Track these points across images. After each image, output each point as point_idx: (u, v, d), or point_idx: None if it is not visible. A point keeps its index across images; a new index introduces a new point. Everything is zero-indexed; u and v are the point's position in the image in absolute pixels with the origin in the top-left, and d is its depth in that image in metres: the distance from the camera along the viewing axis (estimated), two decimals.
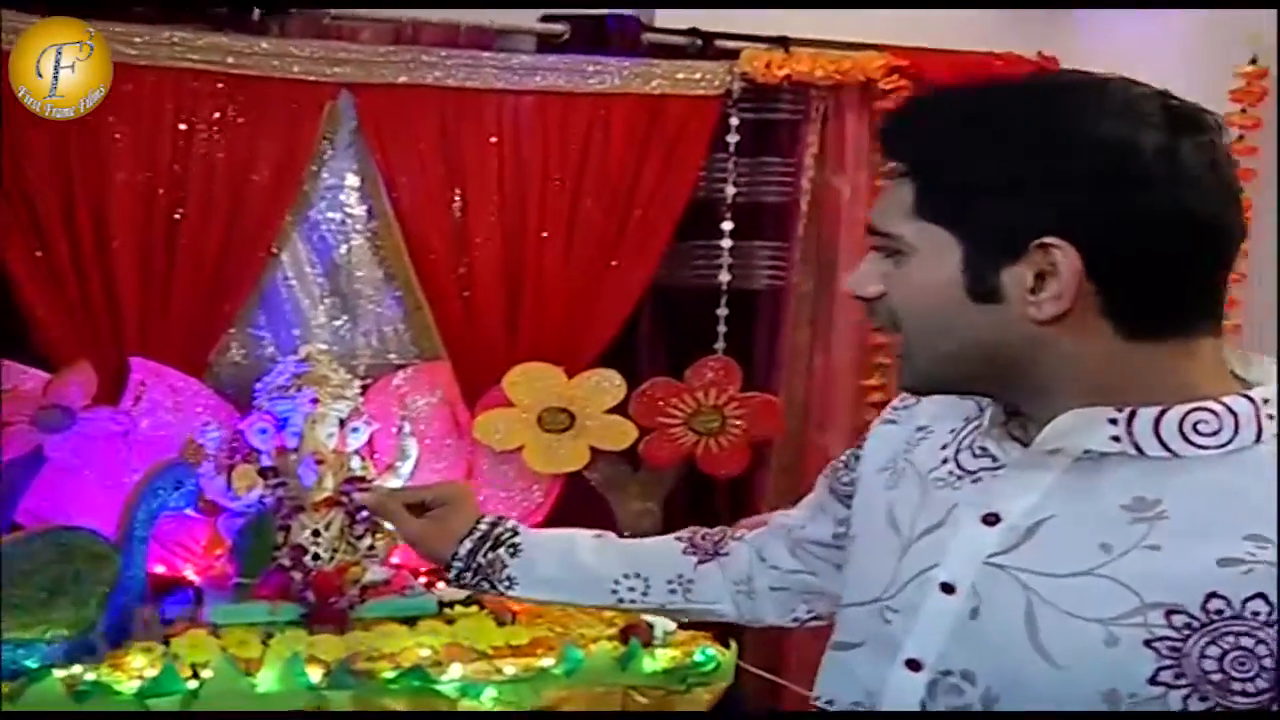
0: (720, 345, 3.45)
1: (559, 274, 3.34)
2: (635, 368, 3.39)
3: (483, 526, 1.44)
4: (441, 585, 3.03)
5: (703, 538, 1.44)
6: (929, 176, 0.96)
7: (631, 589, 1.41)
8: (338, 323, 3.38)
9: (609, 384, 3.30)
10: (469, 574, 1.43)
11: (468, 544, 1.43)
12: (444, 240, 3.26)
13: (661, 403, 3.33)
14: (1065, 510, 0.95)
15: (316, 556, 2.93)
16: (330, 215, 3.32)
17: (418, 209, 3.25)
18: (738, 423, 3.39)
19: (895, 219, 0.98)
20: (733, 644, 2.85)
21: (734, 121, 3.39)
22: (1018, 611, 0.93)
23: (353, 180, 3.30)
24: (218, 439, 3.01)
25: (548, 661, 2.76)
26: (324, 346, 3.23)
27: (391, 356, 3.40)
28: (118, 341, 3.04)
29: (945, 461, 1.06)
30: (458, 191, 3.26)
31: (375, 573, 3.00)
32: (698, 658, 2.84)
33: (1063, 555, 0.93)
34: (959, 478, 1.04)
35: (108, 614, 2.67)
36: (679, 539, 1.45)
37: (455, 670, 2.67)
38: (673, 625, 2.91)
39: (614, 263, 3.37)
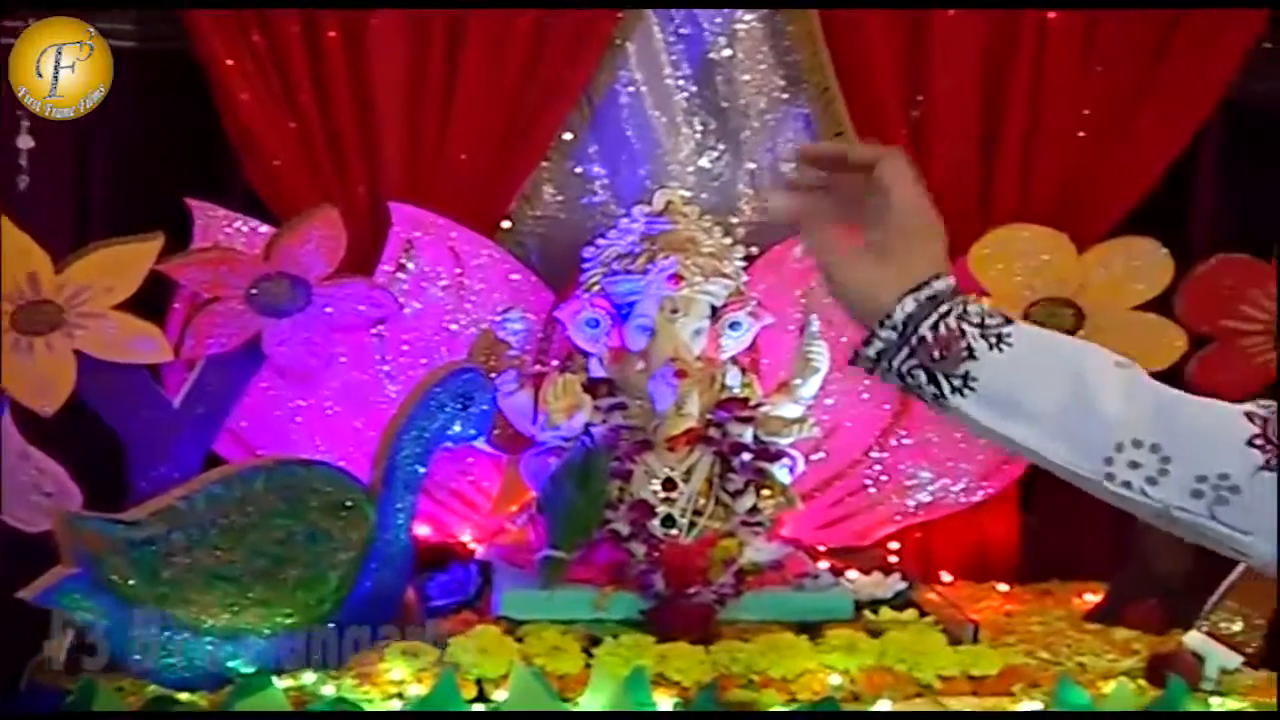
0: None
1: (1065, 80, 3.18)
2: (1187, 238, 3.24)
3: (944, 283, 1.34)
4: (855, 575, 3.03)
5: None
6: None
7: (1134, 465, 1.29)
8: (712, 155, 3.30)
9: (1142, 263, 3.14)
10: (898, 348, 1.34)
11: (916, 297, 1.34)
12: (886, 23, 3.15)
13: (1232, 295, 3.11)
14: None
15: (670, 521, 2.84)
16: None
17: None
18: None
19: None
20: None
21: None
22: None
23: None
24: (523, 333, 3.02)
25: (1030, 705, 2.63)
26: (687, 194, 3.15)
27: None
28: (372, 179, 3.09)
29: None
30: None
31: (760, 551, 2.90)
32: None
33: None
34: None
35: (354, 595, 2.67)
36: (1253, 417, 1.31)
37: (883, 708, 2.61)
38: (1235, 660, 2.70)
39: (1162, 65, 3.17)
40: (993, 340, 1.33)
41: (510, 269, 3.09)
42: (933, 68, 3.20)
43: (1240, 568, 2.57)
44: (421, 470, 2.80)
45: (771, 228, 3.21)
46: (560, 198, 3.24)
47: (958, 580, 3.16)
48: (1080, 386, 1.33)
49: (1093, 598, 3.08)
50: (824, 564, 3.04)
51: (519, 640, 2.63)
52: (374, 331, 3.01)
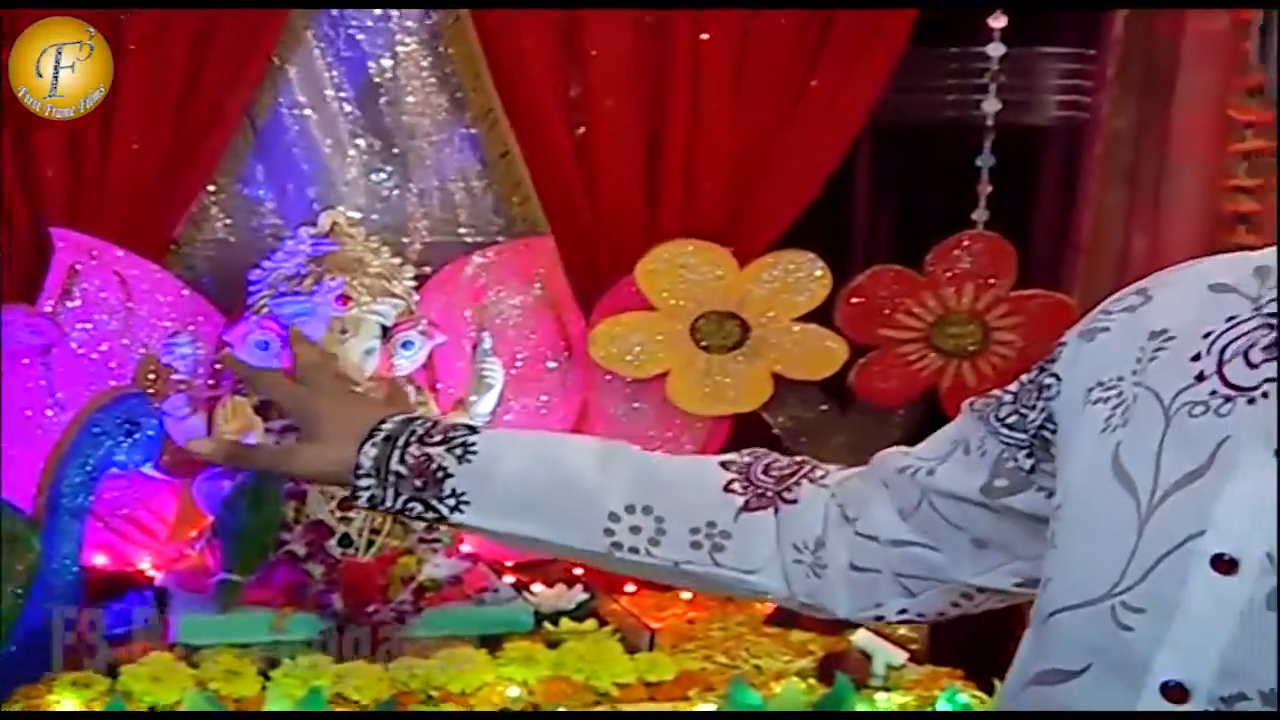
0: (981, 215, 3.37)
1: (725, 102, 3.33)
2: (845, 251, 3.44)
3: (392, 422, 1.43)
4: (539, 587, 3.11)
5: (765, 470, 1.42)
6: None
7: (635, 530, 1.38)
8: (377, 177, 3.40)
9: (804, 275, 3.29)
10: (383, 490, 1.40)
11: (374, 442, 1.41)
12: (545, 45, 3.28)
13: (887, 305, 3.32)
14: None
15: (347, 540, 2.94)
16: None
17: None
18: (1008, 337, 3.35)
19: None
20: (997, 685, 2.91)
21: None
22: None
23: None
24: (192, 357, 3.05)
25: (705, 707, 2.78)
26: (357, 214, 3.27)
27: (462, 231, 3.45)
28: (32, 204, 3.07)
29: (1202, 379, 1.06)
30: None
31: (439, 566, 3.00)
32: (942, 706, 2.87)
33: None
34: (1227, 399, 1.03)
35: (21, 625, 2.68)
36: (728, 465, 1.43)
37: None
38: (901, 656, 2.94)
39: (813, 83, 3.35)
40: (459, 454, 1.42)
41: (179, 292, 3.12)
42: (594, 89, 3.32)
43: None
44: (87, 498, 2.84)
45: (443, 247, 3.39)
46: (228, 220, 3.31)
47: (641, 590, 3.23)
48: (557, 470, 1.42)
49: (773, 602, 3.30)
50: (509, 578, 3.14)
51: (194, 666, 2.69)
52: (41, 360, 2.98)
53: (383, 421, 1.43)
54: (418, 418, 1.45)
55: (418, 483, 1.40)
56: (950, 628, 2.74)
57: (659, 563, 1.40)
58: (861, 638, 2.95)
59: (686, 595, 3.26)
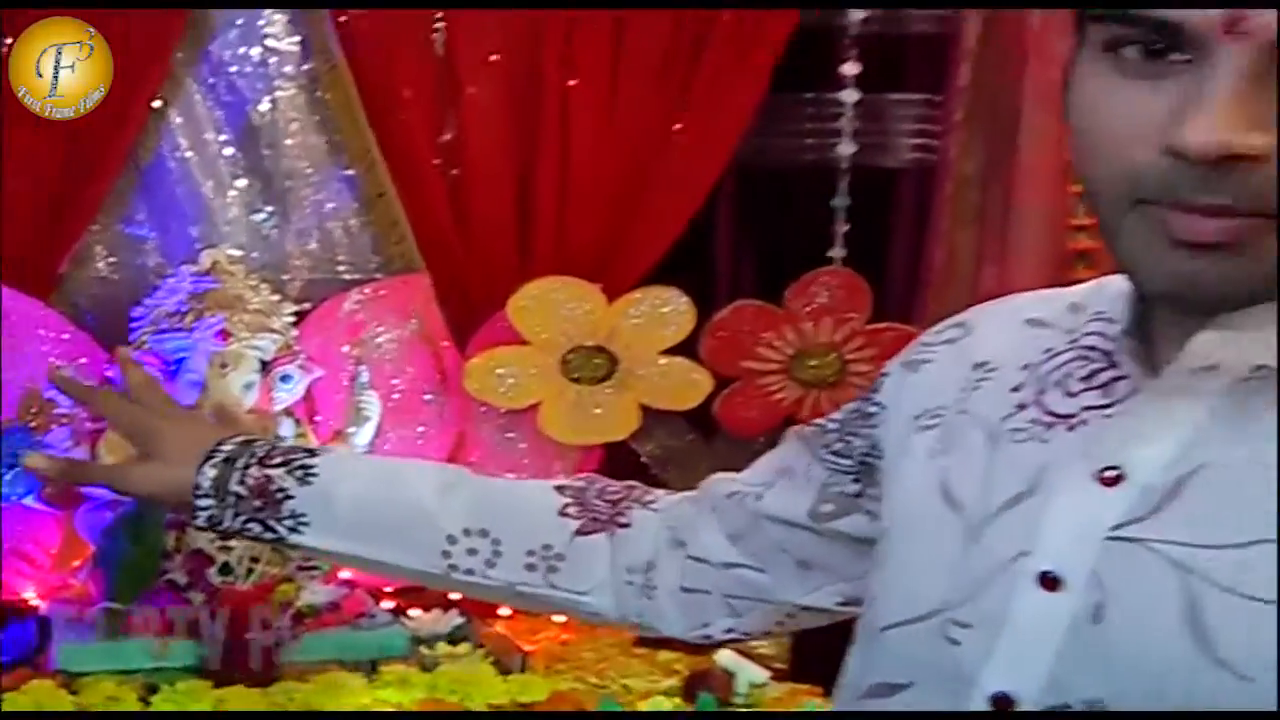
0: (838, 253, 3.45)
1: (593, 144, 3.37)
2: (709, 287, 3.46)
3: (231, 444, 1.42)
4: (417, 612, 3.13)
5: (600, 494, 1.44)
6: None
7: (472, 552, 1.40)
8: (257, 217, 3.41)
9: (669, 310, 3.33)
10: (221, 511, 1.40)
11: (213, 463, 1.41)
12: (421, 90, 3.31)
13: (748, 339, 3.35)
14: (1222, 456, 0.96)
15: (227, 569, 2.94)
16: (243, 51, 3.35)
17: (378, 42, 3.27)
18: (863, 368, 3.35)
19: None
20: None
21: None
22: (1169, 602, 0.94)
23: None
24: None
25: None
26: (236, 252, 3.28)
27: (340, 269, 3.46)
28: None
29: (1023, 407, 1.08)
30: (439, 16, 3.29)
31: (316, 593, 3.02)
32: None
33: (1226, 518, 0.94)
34: (1048, 426, 1.05)
35: None
36: (563, 489, 1.45)
37: None
38: (763, 674, 2.97)
39: (677, 126, 3.39)
40: (299, 476, 1.41)
41: (63, 329, 3.09)
42: (467, 132, 3.33)
43: None
44: None
45: (321, 284, 3.40)
46: (112, 258, 3.30)
47: (516, 614, 3.19)
48: (396, 493, 1.43)
49: (603, 624, 3.28)
50: (387, 603, 3.10)
51: (74, 693, 2.67)
52: None
53: (222, 443, 1.42)
54: (257, 439, 1.45)
55: (257, 503, 1.41)
56: (811, 647, 2.73)
57: (495, 584, 1.42)
58: (725, 657, 2.95)
59: (560, 618, 3.20)
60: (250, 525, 1.40)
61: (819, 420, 1.31)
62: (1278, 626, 0.92)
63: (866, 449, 1.24)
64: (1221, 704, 0.92)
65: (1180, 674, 0.93)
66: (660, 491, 1.46)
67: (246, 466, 1.40)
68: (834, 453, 1.28)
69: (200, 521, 1.40)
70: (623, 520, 1.42)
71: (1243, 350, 0.96)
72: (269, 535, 1.40)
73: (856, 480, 1.26)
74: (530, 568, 1.41)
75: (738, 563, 1.35)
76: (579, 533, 1.42)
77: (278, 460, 1.42)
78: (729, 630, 1.39)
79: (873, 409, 1.24)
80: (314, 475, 1.41)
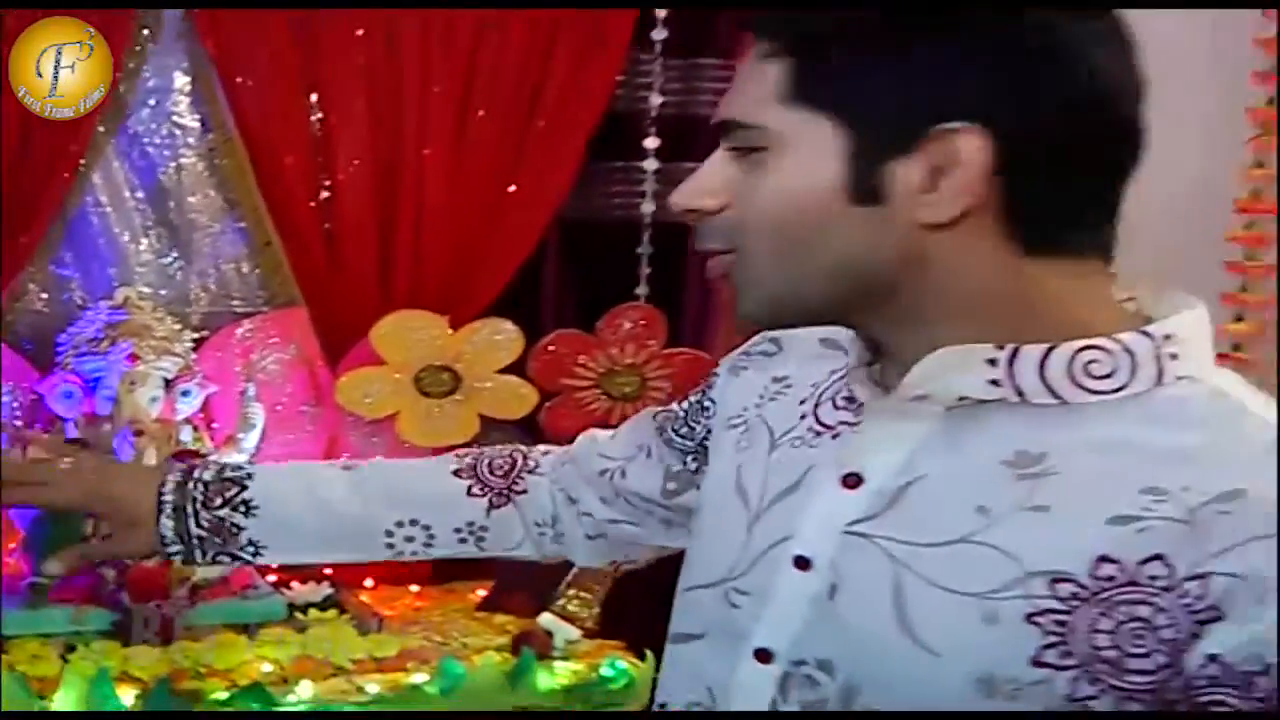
0: (642, 290, 3.56)
1: (443, 201, 3.43)
2: (536, 318, 3.51)
3: (172, 487, 1.45)
4: (296, 584, 3.23)
5: (490, 469, 1.51)
6: (809, 52, 0.98)
7: (411, 539, 1.49)
8: (165, 260, 3.48)
9: (503, 337, 3.43)
10: (191, 553, 1.45)
11: (162, 521, 1.44)
12: (299, 158, 3.35)
13: (568, 360, 3.44)
14: (937, 469, 1.00)
15: None
16: (154, 125, 3.40)
17: (265, 118, 3.31)
18: (661, 385, 3.50)
19: (759, 107, 1.00)
20: (649, 656, 3.01)
21: (661, 14, 3.42)
22: (883, 587, 0.99)
23: (182, 81, 3.39)
24: (8, 405, 3.10)
25: (420, 678, 2.91)
26: (146, 290, 3.36)
27: (234, 303, 3.52)
28: None
29: (804, 418, 1.14)
30: (315, 97, 3.36)
31: (209, 568, 3.06)
32: (605, 672, 3.04)
33: (935, 521, 0.98)
34: (817, 434, 1.11)
35: None
36: (459, 474, 1.51)
37: (305, 689, 2.82)
38: (576, 633, 3.13)
39: (512, 188, 3.48)
40: (244, 511, 1.45)
41: (2, 354, 3.13)
42: (340, 194, 3.40)
43: (576, 566, 2.68)
44: None
45: (217, 315, 3.46)
46: (44, 294, 3.37)
47: (380, 585, 3.37)
48: (327, 510, 1.47)
49: (484, 592, 3.35)
50: (271, 577, 3.20)
51: (5, 651, 2.77)
52: None
53: (162, 494, 1.44)
54: (187, 480, 1.46)
55: (218, 540, 1.45)
56: (616, 611, 3.21)
57: (439, 554, 1.51)
58: (546, 619, 3.12)
59: (415, 588, 3.40)
60: (221, 557, 1.47)
61: (672, 406, 1.38)
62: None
63: (703, 436, 1.31)
64: (916, 674, 0.97)
65: (886, 646, 0.98)
66: (539, 452, 1.53)
67: (197, 514, 1.44)
68: (680, 436, 1.35)
69: (179, 562, 1.50)
70: (519, 488, 1.50)
71: (949, 385, 0.99)
72: (238, 561, 1.48)
73: (695, 460, 1.33)
74: (462, 540, 1.50)
75: (616, 519, 1.44)
76: (491, 507, 1.50)
77: (218, 502, 1.45)
78: (629, 559, 1.52)
79: (707, 402, 1.30)
80: (256, 508, 1.46)
